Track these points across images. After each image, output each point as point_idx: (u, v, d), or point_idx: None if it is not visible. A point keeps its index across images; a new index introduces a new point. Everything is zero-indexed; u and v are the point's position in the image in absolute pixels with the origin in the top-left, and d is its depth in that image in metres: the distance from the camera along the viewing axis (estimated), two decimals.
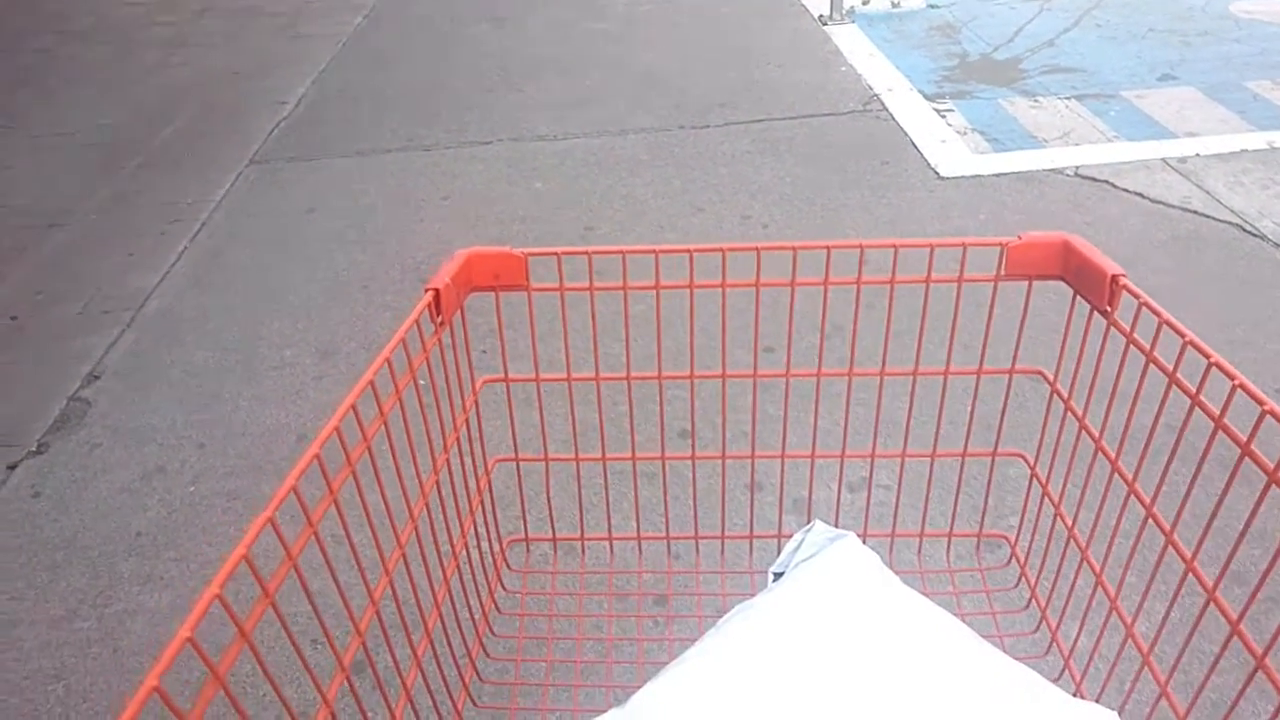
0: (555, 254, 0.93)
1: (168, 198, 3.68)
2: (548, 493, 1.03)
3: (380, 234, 3.33)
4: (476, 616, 0.99)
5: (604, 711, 0.76)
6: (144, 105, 4.59)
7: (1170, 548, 0.77)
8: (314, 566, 1.85)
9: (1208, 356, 0.71)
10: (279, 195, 3.66)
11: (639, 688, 0.76)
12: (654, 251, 0.92)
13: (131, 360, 2.74)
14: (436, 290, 0.88)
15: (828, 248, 0.92)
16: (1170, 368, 0.77)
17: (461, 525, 0.98)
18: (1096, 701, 0.79)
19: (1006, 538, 1.08)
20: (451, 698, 0.91)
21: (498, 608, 1.04)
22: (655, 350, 0.91)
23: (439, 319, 0.88)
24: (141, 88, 4.82)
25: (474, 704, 0.95)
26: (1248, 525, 0.67)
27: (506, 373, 1.02)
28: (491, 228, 3.30)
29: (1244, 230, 3.02)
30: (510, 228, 3.28)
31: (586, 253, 0.92)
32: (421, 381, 0.86)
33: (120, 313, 2.97)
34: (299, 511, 0.66)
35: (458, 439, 0.94)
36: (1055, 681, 0.81)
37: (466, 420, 0.96)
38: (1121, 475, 0.84)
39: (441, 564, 0.93)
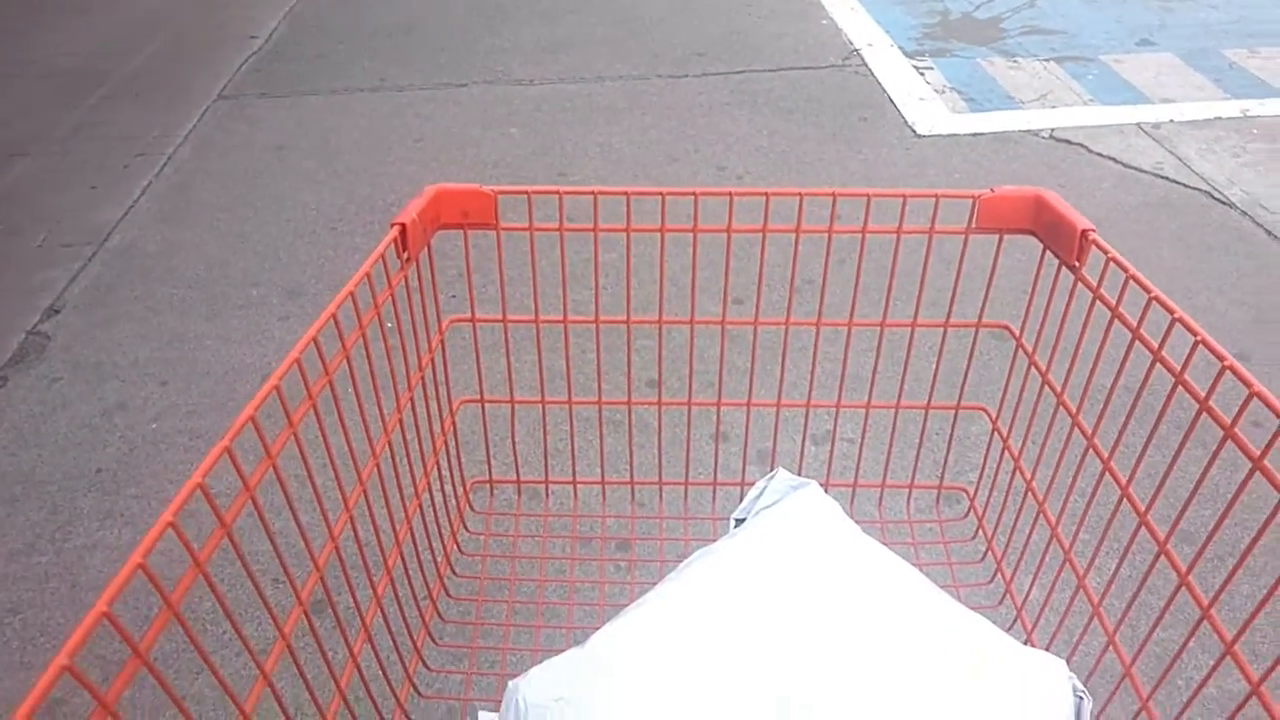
0: (526, 193, 0.91)
1: (133, 131, 3.59)
2: (513, 435, 1.02)
3: (350, 174, 3.27)
4: (439, 557, 0.99)
5: (564, 651, 0.77)
6: (110, 36, 4.46)
7: (1125, 501, 0.78)
8: (275, 507, 1.84)
9: (1171, 311, 0.71)
10: (248, 131, 3.58)
11: (600, 629, 0.77)
12: (625, 193, 0.91)
13: (93, 295, 2.69)
14: (403, 225, 0.86)
15: (800, 194, 0.92)
16: (1135, 324, 0.77)
17: (425, 465, 0.97)
18: (1046, 650, 0.81)
19: (966, 490, 1.09)
20: (411, 636, 0.91)
21: (460, 549, 1.04)
22: (624, 296, 0.91)
23: (405, 255, 0.87)
24: (108, 18, 4.68)
25: (434, 642, 0.95)
26: (1201, 480, 0.68)
27: (474, 313, 1.01)
28: (464, 172, 3.26)
29: (1212, 197, 3.04)
30: (483, 172, 3.24)
31: (557, 192, 0.91)
32: (389, 324, 0.85)
33: (82, 246, 2.91)
34: (259, 447, 0.65)
35: (423, 378, 0.93)
36: (1007, 631, 0.83)
37: (432, 360, 0.95)
38: (1081, 430, 0.85)
39: (404, 503, 0.93)
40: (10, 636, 1.74)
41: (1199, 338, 0.68)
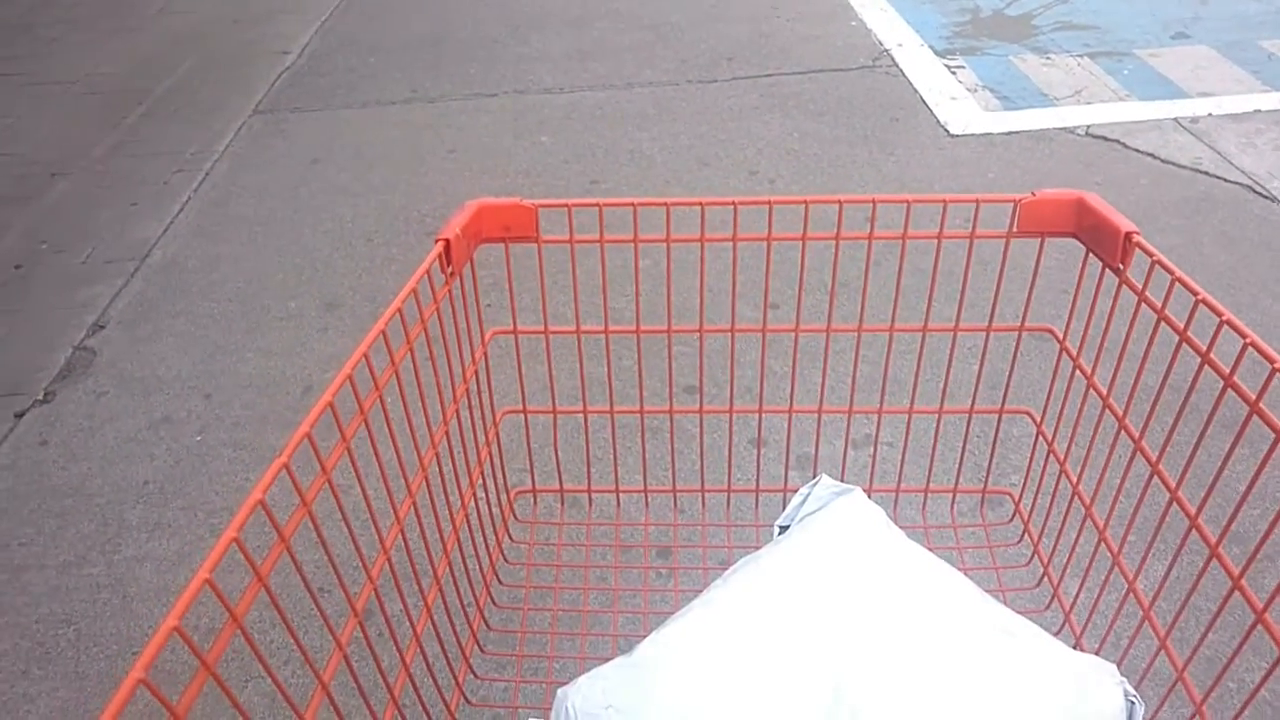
0: (566, 205, 0.92)
1: (170, 147, 3.66)
2: (555, 445, 1.03)
3: (385, 186, 3.31)
4: (484, 566, 1.00)
5: (609, 660, 0.77)
6: (145, 53, 4.54)
7: (1174, 504, 0.77)
8: (324, 515, 1.87)
9: (1220, 314, 0.71)
10: (283, 146, 3.63)
11: (644, 637, 0.77)
12: (665, 204, 0.92)
13: (137, 310, 2.74)
14: (447, 241, 0.87)
15: (840, 202, 0.92)
16: (1181, 326, 0.77)
17: (470, 476, 0.99)
18: (1096, 655, 0.81)
19: (1010, 494, 1.08)
20: (460, 644, 0.92)
21: (505, 558, 1.05)
22: (664, 305, 0.91)
23: (449, 270, 0.88)
24: (142, 35, 4.76)
25: (481, 651, 0.96)
26: (1253, 482, 0.68)
27: (515, 325, 1.02)
28: (496, 181, 3.28)
29: (1254, 192, 3.00)
30: (515, 181, 3.26)
31: (597, 204, 0.92)
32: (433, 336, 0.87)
33: (124, 262, 2.96)
34: (311, 460, 0.66)
35: (466, 390, 0.94)
36: (1055, 635, 0.82)
37: (475, 372, 0.96)
38: (1128, 432, 0.85)
39: (451, 514, 0.94)
40: (65, 647, 1.78)
41: (1248, 340, 0.67)
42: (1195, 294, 0.74)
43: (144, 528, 2.02)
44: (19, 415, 2.37)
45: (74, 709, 1.67)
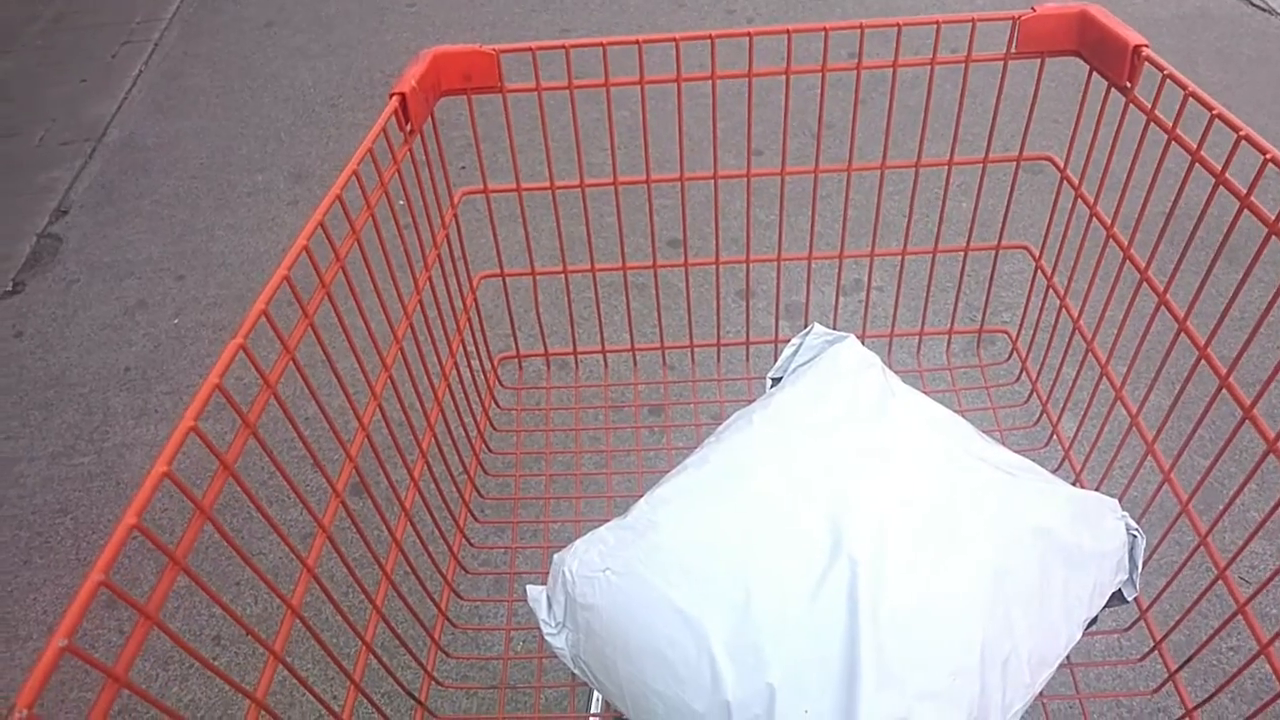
0: (530, 49, 0.85)
1: (114, 18, 3.46)
2: (536, 307, 0.99)
3: (344, 47, 3.15)
4: (472, 435, 0.97)
5: (606, 521, 0.75)
6: None
7: (1183, 334, 0.74)
8: (299, 398, 1.84)
9: (1236, 129, 0.66)
10: (234, 9, 3.44)
11: (639, 497, 0.75)
12: (637, 41, 0.85)
13: (99, 193, 2.65)
14: (403, 94, 0.81)
15: (825, 29, 0.85)
16: (1194, 145, 0.72)
17: (450, 344, 0.95)
18: (1096, 490, 0.79)
19: (1007, 332, 1.05)
20: (452, 515, 0.91)
21: (493, 425, 1.02)
22: (641, 155, 0.86)
23: (408, 127, 0.82)
24: None
25: (476, 519, 0.95)
26: (1266, 312, 0.64)
27: (485, 183, 0.96)
28: (461, 35, 3.12)
29: (1252, 4, 2.87)
30: (482, 34, 3.11)
31: (563, 46, 0.85)
32: (399, 203, 0.81)
33: (81, 143, 2.84)
34: (275, 341, 0.62)
35: (439, 255, 0.89)
36: (1055, 473, 0.81)
37: (447, 235, 0.91)
38: (1133, 262, 0.81)
39: (432, 384, 0.90)
40: (64, 535, 1.78)
41: (1268, 155, 0.63)
42: (1210, 108, 0.69)
43: (129, 414, 2.00)
44: None
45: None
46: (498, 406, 1.05)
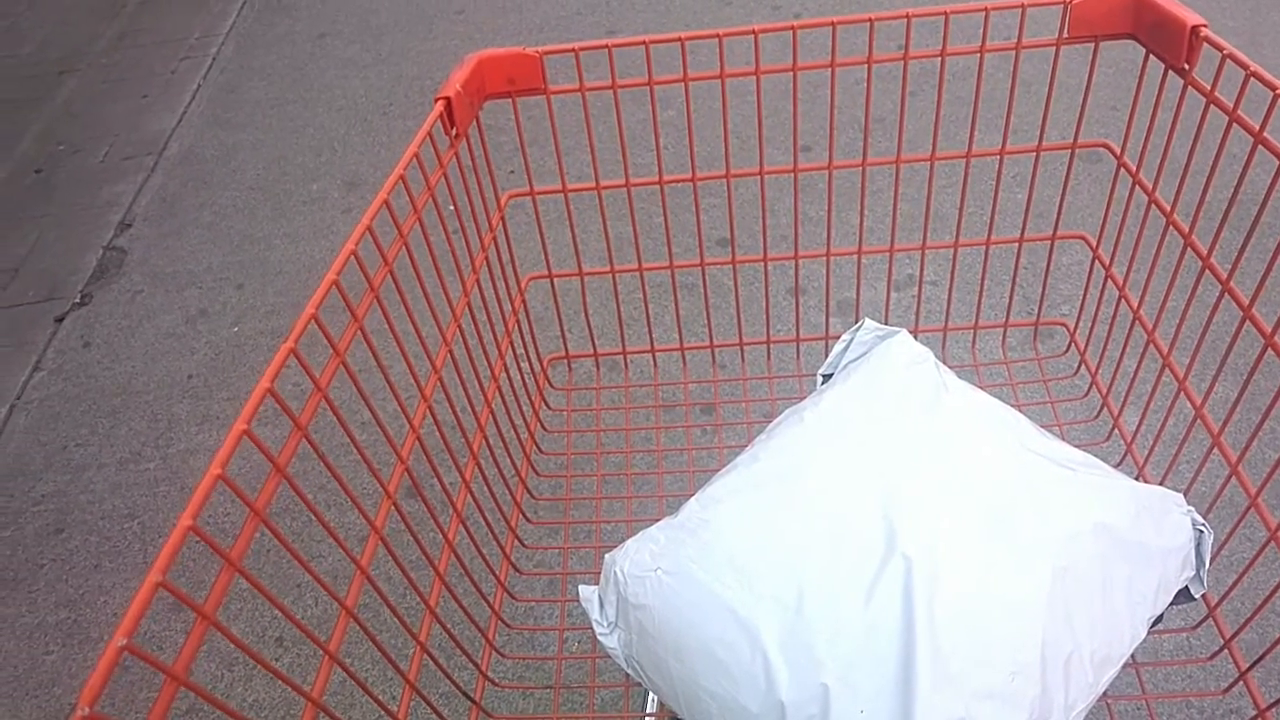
0: (573, 50, 0.85)
1: (173, 35, 3.55)
2: (584, 308, 0.99)
3: (395, 55, 3.19)
4: (523, 436, 0.98)
5: (657, 521, 0.75)
6: None
7: (1249, 323, 0.72)
8: (354, 403, 1.87)
9: None
10: (287, 23, 3.51)
11: (691, 496, 0.75)
12: (679, 39, 0.85)
13: (160, 206, 2.71)
14: (447, 99, 0.81)
15: (870, 20, 0.84)
16: (1256, 127, 0.70)
17: (499, 347, 0.95)
18: (1160, 485, 0.77)
19: (1065, 324, 1.03)
20: (504, 517, 0.91)
21: (544, 426, 1.03)
22: (687, 154, 0.86)
23: (453, 131, 0.83)
24: None
25: (528, 520, 0.95)
26: None
27: (532, 186, 0.97)
28: (509, 39, 3.15)
29: None
30: (529, 38, 3.13)
31: (606, 45, 0.85)
32: (448, 209, 0.81)
33: (143, 158, 2.92)
34: (327, 347, 0.63)
35: (486, 258, 0.90)
36: (1117, 468, 0.79)
37: (494, 238, 0.92)
38: (1195, 249, 0.78)
39: (481, 387, 0.91)
40: (131, 540, 1.83)
41: None
42: (1274, 89, 0.67)
43: (192, 421, 2.05)
44: (59, 319, 2.38)
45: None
46: (548, 408, 1.05)
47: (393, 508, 0.69)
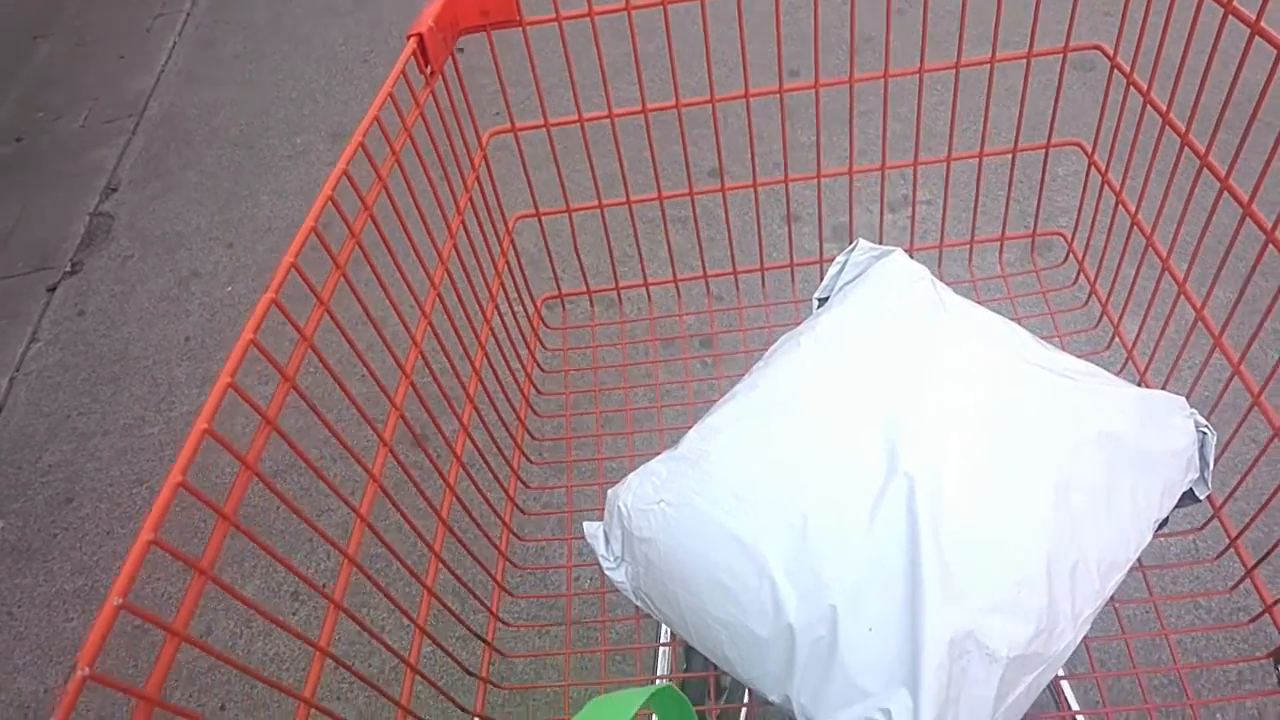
0: None
1: None
2: (574, 244, 0.98)
3: (373, 1, 3.12)
4: (520, 378, 0.97)
5: (659, 454, 0.75)
6: None
7: (1249, 219, 0.70)
8: (349, 360, 1.86)
9: None
10: None
11: (691, 428, 0.74)
12: None
13: (144, 168, 2.68)
14: (420, 35, 0.79)
15: None
16: (1253, 17, 0.67)
17: (489, 288, 0.94)
18: (1163, 390, 0.76)
19: (1063, 234, 1.01)
20: (505, 459, 0.91)
21: (540, 366, 1.02)
22: (670, 85, 0.84)
23: (428, 69, 0.80)
24: None
25: (530, 461, 0.95)
26: None
27: (513, 122, 0.95)
28: None
29: None
30: None
31: None
32: (429, 160, 0.80)
33: (123, 120, 2.87)
34: (311, 296, 0.62)
35: (470, 198, 0.88)
36: (1119, 375, 0.78)
37: (477, 177, 0.90)
38: (1193, 148, 0.77)
39: (474, 331, 0.90)
40: (141, 505, 1.84)
41: None
42: None
43: (193, 383, 2.04)
44: (51, 289, 2.37)
45: (159, 560, 1.75)
46: (544, 348, 1.04)
47: (390, 456, 0.68)
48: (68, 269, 2.41)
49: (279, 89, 2.84)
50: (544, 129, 0.93)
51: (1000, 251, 1.03)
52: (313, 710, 0.54)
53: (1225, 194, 0.72)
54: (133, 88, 2.99)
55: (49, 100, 3.03)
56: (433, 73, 0.81)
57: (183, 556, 0.46)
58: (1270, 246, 0.69)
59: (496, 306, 0.92)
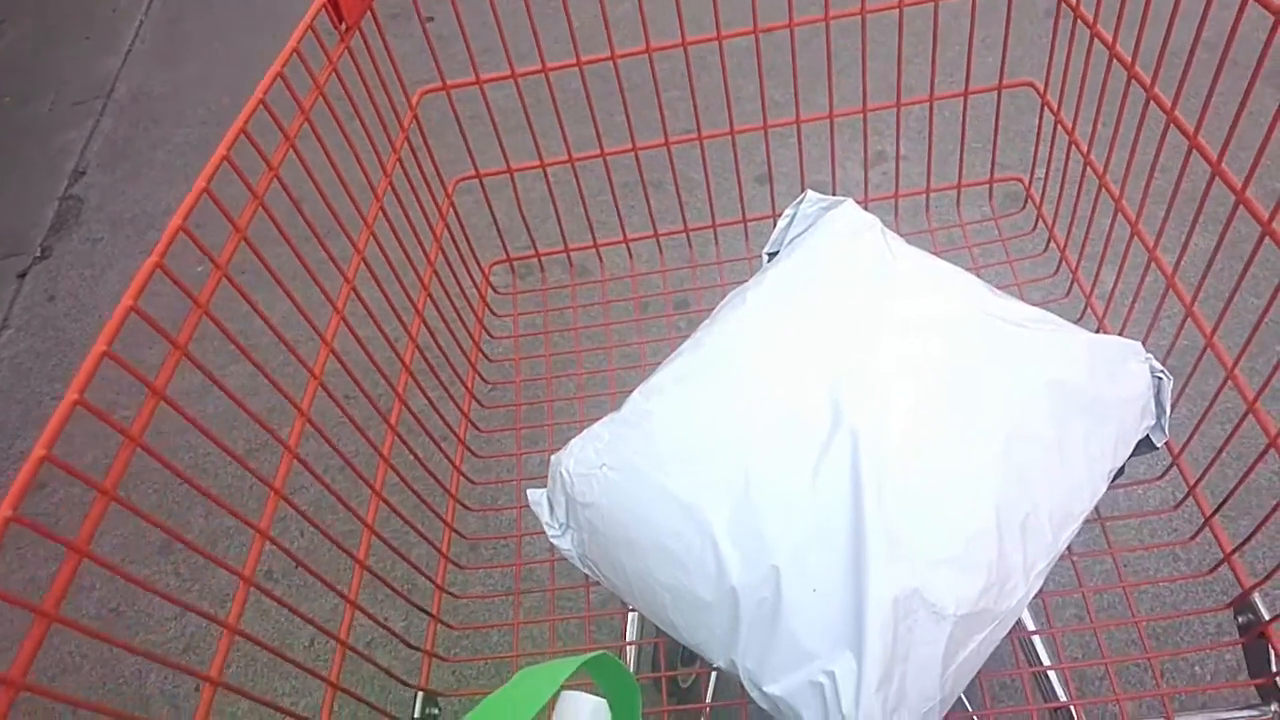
0: None
1: None
2: (518, 205, 0.95)
3: None
4: (466, 346, 0.95)
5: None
6: None
7: (1195, 151, 0.67)
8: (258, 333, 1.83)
9: None
10: None
11: None
12: None
13: (113, 150, 2.64)
14: None
15: None
16: None
17: (427, 255, 0.91)
18: (1120, 335, 0.74)
19: (1020, 179, 0.99)
20: (451, 429, 0.89)
21: (488, 333, 0.99)
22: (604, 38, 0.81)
23: (342, 25, 0.77)
24: None
25: (478, 430, 0.93)
26: (1274, 124, 0.57)
27: (444, 80, 0.91)
28: None
29: None
30: None
31: None
32: (351, 122, 0.77)
33: (91, 102, 2.83)
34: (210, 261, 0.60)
35: (398, 160, 0.85)
36: (1078, 322, 0.75)
37: (406, 138, 0.87)
38: (1139, 80, 0.73)
39: (410, 299, 0.87)
40: (127, 492, 1.82)
41: None
42: None
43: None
44: (21, 275, 2.34)
45: (137, 540, 1.73)
46: (493, 314, 1.02)
47: (306, 423, 0.66)
48: (37, 254, 2.38)
49: (247, 66, 2.79)
50: (476, 85, 0.90)
51: (958, 199, 1.00)
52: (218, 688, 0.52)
53: (1188, 141, 0.69)
54: (99, 69, 2.94)
55: (14, 85, 2.98)
56: (348, 30, 0.78)
57: (87, 479, 0.45)
58: (1218, 178, 0.66)
59: (435, 272, 0.89)
